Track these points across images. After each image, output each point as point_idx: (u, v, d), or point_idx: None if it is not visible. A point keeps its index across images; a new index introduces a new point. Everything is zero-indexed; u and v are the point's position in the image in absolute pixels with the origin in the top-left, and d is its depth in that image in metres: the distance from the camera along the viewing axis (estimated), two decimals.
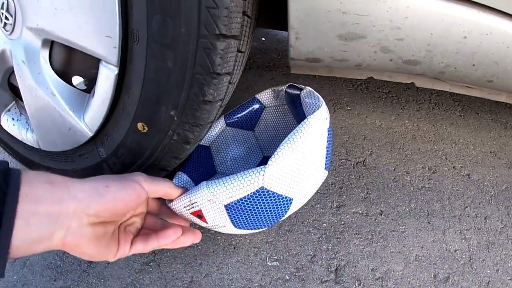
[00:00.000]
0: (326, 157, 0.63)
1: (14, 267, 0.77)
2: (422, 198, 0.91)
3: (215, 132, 0.86)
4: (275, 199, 0.58)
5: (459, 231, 0.85)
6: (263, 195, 0.56)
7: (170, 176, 0.74)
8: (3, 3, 0.68)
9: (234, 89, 0.72)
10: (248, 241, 0.77)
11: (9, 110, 0.85)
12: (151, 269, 0.73)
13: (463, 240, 0.83)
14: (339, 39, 0.61)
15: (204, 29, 0.51)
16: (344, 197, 0.88)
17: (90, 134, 0.69)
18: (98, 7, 0.54)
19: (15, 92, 0.85)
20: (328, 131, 0.62)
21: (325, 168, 0.65)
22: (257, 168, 0.55)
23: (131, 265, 0.74)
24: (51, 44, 0.68)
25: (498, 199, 0.95)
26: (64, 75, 0.69)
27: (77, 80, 0.70)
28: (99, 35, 0.57)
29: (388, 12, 0.57)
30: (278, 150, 0.55)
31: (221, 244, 0.77)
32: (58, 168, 0.82)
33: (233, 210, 0.58)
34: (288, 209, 0.62)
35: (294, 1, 0.56)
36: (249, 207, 0.57)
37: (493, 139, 1.16)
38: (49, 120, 0.72)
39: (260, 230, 0.67)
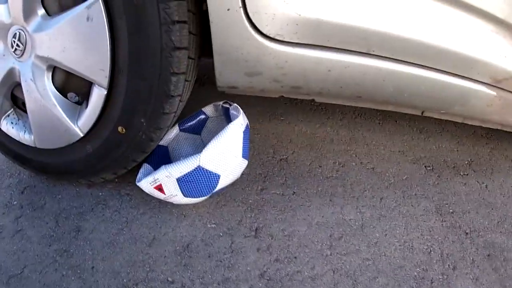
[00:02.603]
0: (243, 149, 1.11)
1: (14, 240, 1.17)
2: (329, 184, 1.39)
3: (171, 136, 1.33)
4: (208, 174, 1.06)
5: (355, 207, 1.32)
6: (200, 171, 1.05)
7: (138, 166, 1.21)
8: (15, 34, 1.10)
9: (185, 104, 1.21)
10: (194, 212, 1.24)
11: (8, 116, 1.27)
12: (124, 232, 1.18)
13: (358, 213, 1.30)
14: (245, 75, 1.10)
15: (164, 70, 0.99)
16: (267, 182, 1.37)
17: (82, 134, 1.14)
18: (96, 50, 1.00)
19: (14, 101, 1.28)
20: (243, 132, 1.11)
21: (243, 156, 1.13)
22: (196, 154, 1.04)
23: (109, 230, 1.18)
24: (53, 68, 1.12)
25: (397, 185, 1.42)
26: (62, 91, 1.14)
27: (71, 95, 1.15)
28: (96, 68, 1.02)
29: (274, 59, 1.05)
30: (210, 143, 1.04)
31: (175, 214, 1.24)
32: (49, 162, 1.26)
33: (182, 182, 1.06)
34: (217, 182, 1.10)
35: (216, 55, 1.05)
36: (192, 179, 1.05)
37: (405, 141, 1.64)
38: (49, 124, 1.16)
39: (201, 199, 1.14)
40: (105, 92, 1.05)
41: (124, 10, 0.95)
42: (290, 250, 1.17)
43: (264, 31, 0.99)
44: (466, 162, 1.59)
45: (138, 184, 1.15)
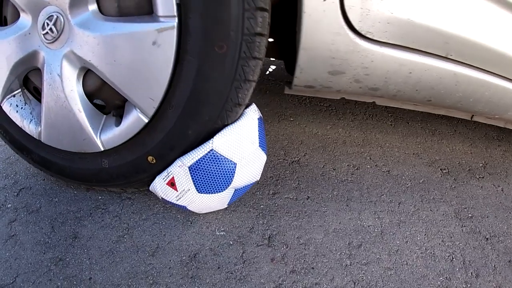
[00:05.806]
0: (259, 137, 0.97)
1: (6, 246, 1.02)
2: (344, 187, 1.24)
3: None
4: (223, 161, 0.91)
5: (373, 212, 1.18)
6: (213, 156, 0.90)
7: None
8: (51, 15, 0.89)
9: None
10: (201, 218, 1.09)
11: (13, 96, 1.06)
12: (125, 239, 1.02)
13: (377, 219, 1.16)
14: (328, 74, 1.01)
15: (221, 120, 0.89)
16: (279, 186, 1.21)
17: (102, 149, 0.98)
18: (151, 79, 0.86)
19: (25, 83, 1.06)
20: (258, 119, 0.97)
21: (260, 145, 0.98)
22: (209, 139, 0.91)
23: (109, 237, 1.03)
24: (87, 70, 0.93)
25: (414, 189, 1.29)
26: (89, 95, 0.97)
27: (98, 102, 0.99)
28: (144, 95, 0.88)
29: (361, 57, 0.95)
30: (225, 128, 0.91)
31: (180, 220, 1.08)
32: (53, 160, 1.08)
33: (195, 170, 0.91)
34: (234, 173, 0.94)
35: (303, 50, 0.94)
36: (205, 166, 0.91)
37: (419, 143, 1.52)
38: (66, 127, 0.98)
39: (217, 195, 0.98)
40: (147, 121, 0.92)
41: (200, 52, 0.82)
42: (307, 260, 1.01)
43: (357, 27, 0.91)
44: (481, 164, 1.49)
45: (151, 188, 1.01)
